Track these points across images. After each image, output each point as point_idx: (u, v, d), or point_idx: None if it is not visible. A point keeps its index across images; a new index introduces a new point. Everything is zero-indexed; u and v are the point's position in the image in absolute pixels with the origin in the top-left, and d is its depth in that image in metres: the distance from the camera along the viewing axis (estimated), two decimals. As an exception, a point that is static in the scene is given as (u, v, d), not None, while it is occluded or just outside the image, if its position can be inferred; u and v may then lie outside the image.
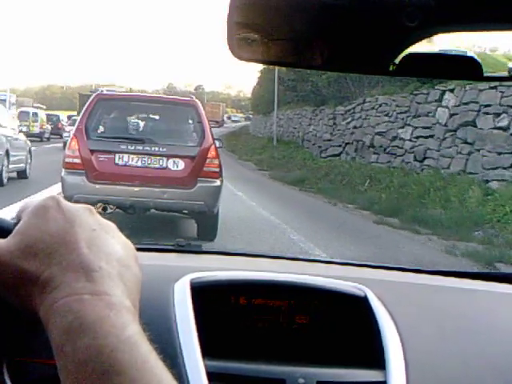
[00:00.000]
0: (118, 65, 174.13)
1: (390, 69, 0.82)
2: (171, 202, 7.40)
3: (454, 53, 0.85)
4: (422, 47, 0.81)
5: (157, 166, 7.46)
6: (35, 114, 30.94)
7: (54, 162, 11.55)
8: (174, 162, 7.44)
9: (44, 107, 26.87)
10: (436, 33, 0.84)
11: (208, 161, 7.45)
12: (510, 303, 1.25)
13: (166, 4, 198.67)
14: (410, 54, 0.81)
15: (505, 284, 1.34)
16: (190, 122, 8.02)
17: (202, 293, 1.04)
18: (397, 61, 0.82)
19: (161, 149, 7.44)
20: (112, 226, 0.63)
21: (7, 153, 12.77)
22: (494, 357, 1.04)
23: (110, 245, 0.60)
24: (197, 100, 8.19)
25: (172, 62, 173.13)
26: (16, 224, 0.62)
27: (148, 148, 7.43)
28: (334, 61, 0.84)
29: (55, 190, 9.91)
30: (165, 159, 7.44)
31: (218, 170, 7.56)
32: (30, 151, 14.93)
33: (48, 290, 0.55)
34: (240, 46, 0.77)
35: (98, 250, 0.58)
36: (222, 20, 0.75)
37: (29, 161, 14.68)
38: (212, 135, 7.78)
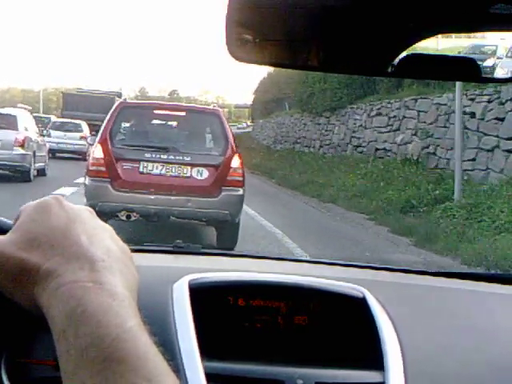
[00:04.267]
0: (84, 67, 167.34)
1: (389, 70, 0.82)
2: (196, 211, 7.24)
3: (453, 54, 0.85)
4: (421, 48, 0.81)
5: (181, 174, 7.31)
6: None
7: (65, 163, 12.08)
8: (198, 170, 7.31)
9: (30, 108, 26.49)
10: (435, 33, 0.84)
11: (232, 170, 7.32)
12: (502, 303, 1.26)
13: (137, 5, 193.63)
14: (409, 56, 0.81)
15: (494, 284, 1.35)
16: (214, 130, 7.88)
17: (201, 294, 1.04)
18: (395, 62, 0.82)
19: (185, 157, 7.31)
20: (110, 228, 0.65)
21: (34, 154, 14.65)
22: (491, 356, 1.05)
23: (109, 244, 0.61)
24: (220, 109, 8.10)
25: (144, 65, 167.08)
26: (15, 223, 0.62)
27: (172, 157, 7.32)
28: (333, 61, 0.84)
29: (69, 190, 11.27)
30: (189, 168, 7.30)
31: (241, 178, 7.42)
32: (48, 152, 16.97)
33: (51, 277, 0.56)
34: (238, 46, 0.77)
35: (100, 246, 0.59)
36: (218, 22, 0.75)
37: (47, 161, 16.58)
38: (236, 144, 7.62)
